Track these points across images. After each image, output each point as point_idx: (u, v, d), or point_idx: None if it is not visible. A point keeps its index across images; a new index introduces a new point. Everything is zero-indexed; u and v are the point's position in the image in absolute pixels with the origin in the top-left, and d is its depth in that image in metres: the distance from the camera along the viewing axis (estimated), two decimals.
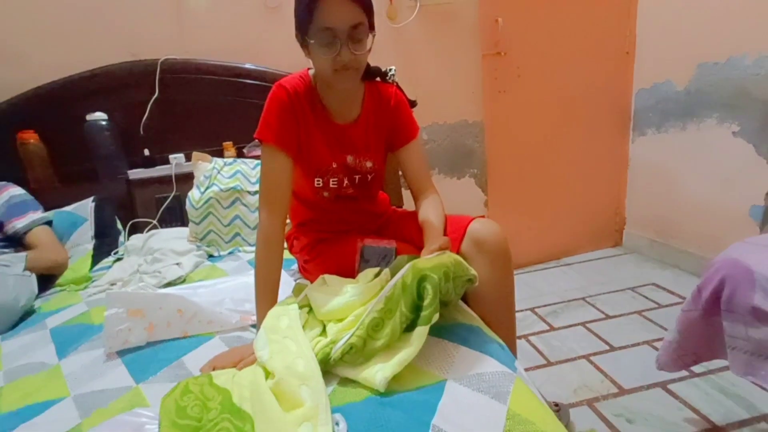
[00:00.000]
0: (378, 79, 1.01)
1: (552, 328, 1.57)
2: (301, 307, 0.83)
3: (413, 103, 1.05)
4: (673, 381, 1.20)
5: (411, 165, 1.02)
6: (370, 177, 1.01)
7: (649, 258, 2.05)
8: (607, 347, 1.41)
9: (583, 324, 1.56)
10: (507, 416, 0.52)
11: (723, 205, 1.70)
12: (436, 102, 1.88)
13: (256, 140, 0.90)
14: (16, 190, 1.35)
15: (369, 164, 0.99)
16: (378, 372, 0.61)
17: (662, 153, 1.95)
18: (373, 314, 0.65)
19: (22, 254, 1.21)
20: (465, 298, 0.89)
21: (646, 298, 1.69)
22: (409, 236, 0.98)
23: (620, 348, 1.40)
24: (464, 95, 1.92)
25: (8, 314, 1.04)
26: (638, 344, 1.41)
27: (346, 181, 0.99)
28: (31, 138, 1.50)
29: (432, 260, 0.70)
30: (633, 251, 2.15)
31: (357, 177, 0.99)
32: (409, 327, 0.68)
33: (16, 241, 1.28)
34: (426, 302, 0.65)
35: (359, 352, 0.64)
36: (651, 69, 1.94)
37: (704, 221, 1.79)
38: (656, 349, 1.37)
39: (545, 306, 1.72)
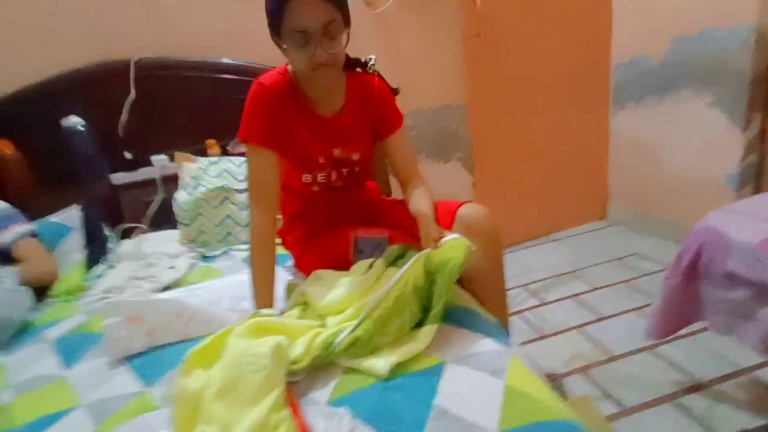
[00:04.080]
0: (359, 69, 1.00)
1: (543, 303, 1.62)
2: (295, 306, 0.85)
3: (396, 91, 1.05)
4: (661, 344, 1.26)
5: (397, 154, 1.03)
6: (357, 169, 1.02)
7: (632, 229, 2.11)
8: (597, 317, 1.47)
9: (572, 297, 1.62)
10: (505, 391, 0.55)
11: (701, 175, 1.76)
12: (419, 87, 1.88)
13: (239, 142, 0.90)
14: None
15: (356, 156, 1.00)
16: (381, 360, 0.64)
17: (642, 126, 1.99)
18: (380, 310, 0.67)
19: (13, 268, 1.19)
20: (458, 281, 0.92)
21: (632, 268, 1.76)
22: (400, 223, 1.00)
23: (609, 317, 1.46)
24: (446, 79, 1.92)
25: (4, 329, 1.03)
26: (626, 312, 1.47)
27: (334, 175, 0.99)
28: (5, 147, 1.45)
29: (441, 255, 0.71)
30: (617, 223, 2.21)
31: (345, 170, 1.00)
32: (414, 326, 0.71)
33: (3, 256, 1.26)
34: (435, 303, 0.68)
35: (364, 346, 0.66)
36: (628, 44, 1.97)
37: (684, 191, 1.85)
38: (643, 315, 1.43)
39: (536, 282, 1.77)
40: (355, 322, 0.68)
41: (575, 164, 2.19)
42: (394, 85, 1.04)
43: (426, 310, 0.70)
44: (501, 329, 0.75)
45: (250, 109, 0.88)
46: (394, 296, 0.68)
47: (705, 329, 1.27)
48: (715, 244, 0.82)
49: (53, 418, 0.69)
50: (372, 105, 0.98)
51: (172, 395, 0.56)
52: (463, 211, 0.90)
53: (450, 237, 0.77)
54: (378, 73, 1.02)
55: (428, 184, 1.02)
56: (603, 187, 2.27)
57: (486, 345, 0.66)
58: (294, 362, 0.65)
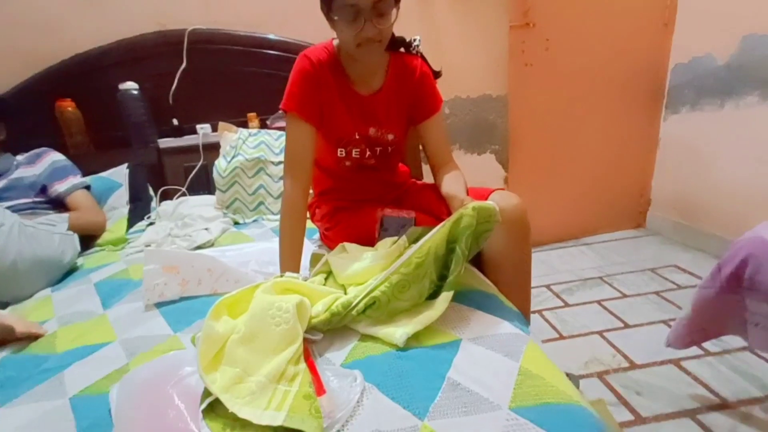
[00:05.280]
0: (402, 49, 1.00)
1: (566, 305, 1.58)
2: (319, 273, 0.88)
3: (438, 74, 1.04)
4: (687, 358, 1.21)
5: (433, 139, 1.03)
6: (390, 149, 1.03)
7: (671, 240, 2.01)
8: (622, 324, 1.43)
9: (598, 302, 1.57)
10: (519, 372, 0.55)
11: (757, 189, 1.64)
12: (460, 75, 1.85)
13: (281, 111, 0.93)
14: (57, 156, 1.43)
15: (390, 137, 1.01)
16: (399, 329, 0.65)
17: (696, 132, 1.87)
18: (399, 276, 0.68)
19: (65, 215, 1.30)
20: (481, 267, 0.92)
21: (666, 279, 1.68)
22: (428, 207, 1.00)
23: (635, 326, 1.41)
24: (489, 68, 1.88)
25: (56, 269, 1.13)
26: (654, 323, 1.41)
27: (368, 152, 1.01)
28: (68, 105, 1.57)
29: (465, 221, 0.71)
30: (655, 233, 2.11)
31: (378, 149, 1.01)
32: (431, 295, 0.72)
33: (58, 204, 1.37)
34: (452, 270, 0.69)
35: (382, 308, 0.68)
36: (691, 42, 1.84)
37: (733, 203, 1.73)
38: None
39: (561, 283, 1.73)
40: (374, 282, 0.69)
41: (617, 168, 2.09)
42: (436, 68, 1.04)
43: (444, 279, 0.71)
44: (521, 316, 0.74)
45: (292, 80, 0.91)
46: (415, 263, 0.69)
47: (738, 349, 1.21)
48: (763, 256, 0.77)
49: (91, 348, 0.76)
50: (411, 87, 0.98)
51: (199, 336, 0.60)
52: (493, 197, 0.90)
53: (478, 203, 0.75)
54: (421, 54, 1.02)
55: (461, 171, 1.01)
56: (644, 194, 2.16)
57: (504, 328, 0.66)
58: (314, 317, 0.67)
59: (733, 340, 1.06)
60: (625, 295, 1.59)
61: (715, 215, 1.83)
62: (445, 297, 0.69)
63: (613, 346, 1.32)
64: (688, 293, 1.55)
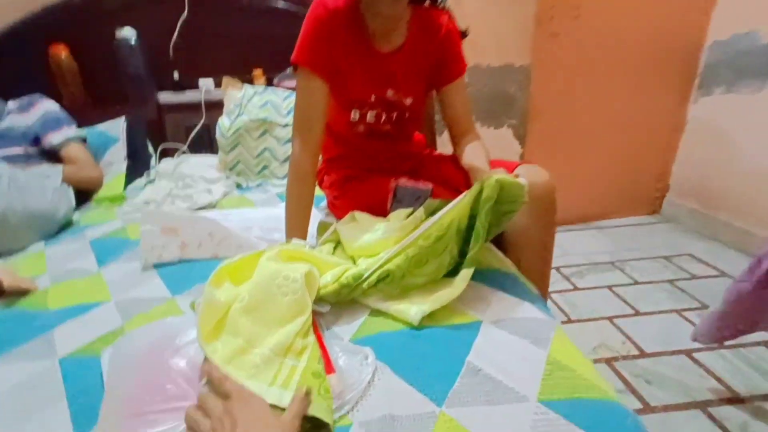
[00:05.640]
0: (427, 3, 0.90)
1: (576, 288, 1.54)
2: (327, 242, 0.82)
3: (464, 34, 0.95)
4: (699, 350, 1.17)
5: (455, 105, 0.95)
6: (407, 115, 0.95)
7: (686, 228, 1.95)
8: (633, 311, 1.39)
9: (608, 287, 1.53)
10: (547, 361, 0.50)
11: None
12: (480, 41, 1.72)
13: (291, 66, 0.84)
14: (50, 104, 1.35)
15: (408, 101, 0.93)
16: (413, 306, 0.60)
17: (728, 117, 1.76)
18: (417, 248, 0.63)
19: (59, 166, 1.23)
20: (501, 245, 0.86)
21: (680, 268, 1.63)
22: (446, 178, 0.94)
23: (646, 313, 1.37)
24: (512, 35, 1.75)
25: (49, 223, 1.07)
26: (666, 311, 1.37)
27: (384, 117, 0.93)
28: (62, 51, 1.46)
29: (487, 192, 0.64)
30: (670, 220, 2.04)
31: (395, 114, 0.94)
32: (448, 272, 0.67)
33: (52, 155, 1.30)
34: (472, 245, 0.63)
35: (395, 283, 0.63)
36: (733, 16, 1.70)
37: (759, 194, 1.65)
38: (685, 318, 1.34)
39: (571, 266, 1.68)
40: (388, 255, 0.63)
41: (638, 150, 2.00)
42: (462, 27, 0.94)
43: (464, 255, 0.66)
44: (543, 300, 0.69)
45: (305, 31, 0.82)
46: (435, 236, 0.63)
47: (754, 344, 1.17)
48: None
49: (85, 307, 0.72)
50: (435, 45, 0.89)
51: (199, 302, 0.55)
52: (521, 170, 0.83)
53: (504, 177, 0.66)
54: (449, 10, 0.92)
55: (483, 141, 0.94)
56: (663, 179, 2.08)
57: (528, 312, 0.61)
58: (321, 288, 0.63)
59: (752, 335, 1.02)
60: (637, 282, 1.55)
61: (736, 205, 1.75)
62: (465, 274, 0.63)
63: (623, 333, 1.28)
64: (704, 284, 1.51)
